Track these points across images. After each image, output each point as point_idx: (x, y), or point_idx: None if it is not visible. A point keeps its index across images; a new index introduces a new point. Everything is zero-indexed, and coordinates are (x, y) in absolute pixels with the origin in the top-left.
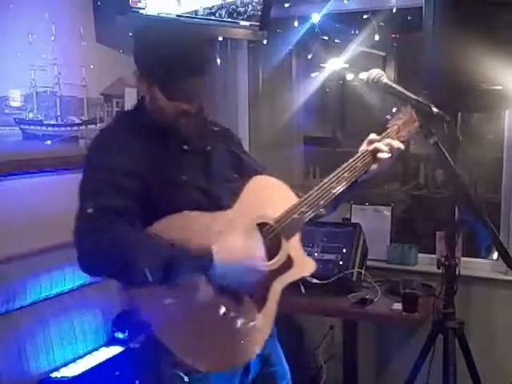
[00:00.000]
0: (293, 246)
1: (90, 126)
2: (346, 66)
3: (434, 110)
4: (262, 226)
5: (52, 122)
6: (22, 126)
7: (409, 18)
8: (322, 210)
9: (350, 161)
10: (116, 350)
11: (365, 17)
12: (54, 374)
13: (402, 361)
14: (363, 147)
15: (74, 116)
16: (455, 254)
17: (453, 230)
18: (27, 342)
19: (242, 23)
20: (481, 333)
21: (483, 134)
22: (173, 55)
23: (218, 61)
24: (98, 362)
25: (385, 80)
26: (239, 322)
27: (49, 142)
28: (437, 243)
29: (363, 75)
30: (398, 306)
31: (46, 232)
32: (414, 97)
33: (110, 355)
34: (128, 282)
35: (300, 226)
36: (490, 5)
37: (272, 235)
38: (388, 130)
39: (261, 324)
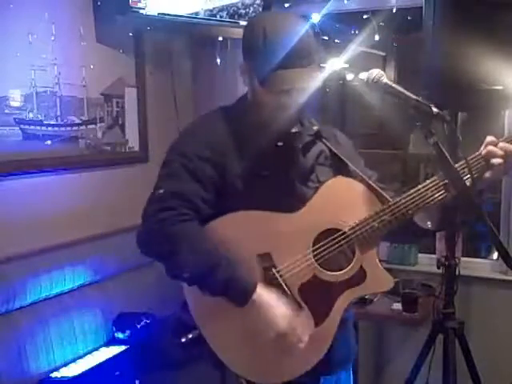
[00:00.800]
0: (368, 257)
1: (89, 126)
2: (346, 65)
3: (434, 109)
4: (333, 231)
5: (52, 122)
6: (21, 126)
7: (409, 18)
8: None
9: (458, 164)
10: (116, 349)
11: (365, 17)
12: (54, 374)
13: (402, 361)
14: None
15: (74, 116)
16: (455, 254)
17: (453, 230)
18: (27, 342)
19: (242, 23)
20: (481, 333)
21: (483, 134)
22: (276, 44)
23: (218, 61)
24: (98, 362)
25: (385, 80)
26: (292, 337)
27: (49, 142)
28: (437, 243)
29: (363, 75)
30: (397, 305)
31: (45, 232)
32: (414, 97)
33: (110, 355)
34: (172, 273)
35: (379, 236)
36: (489, 5)
37: (344, 243)
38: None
39: (316, 340)
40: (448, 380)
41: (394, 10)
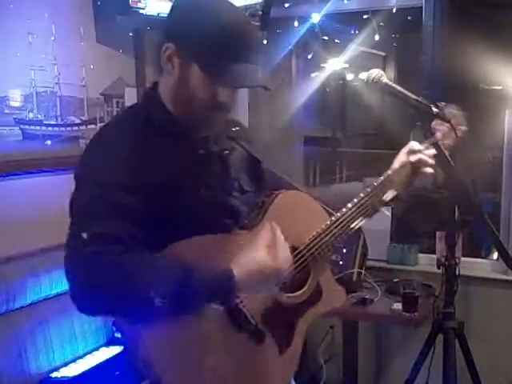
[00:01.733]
0: (323, 273)
1: (89, 126)
2: (346, 65)
3: (434, 110)
4: (290, 249)
5: (52, 122)
6: (21, 126)
7: (409, 18)
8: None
9: (387, 174)
10: (116, 349)
11: (365, 17)
12: (54, 374)
13: (402, 361)
14: (401, 157)
15: (73, 116)
16: (455, 254)
17: (453, 229)
18: (27, 342)
19: None
20: (481, 333)
21: (483, 134)
22: (233, 31)
23: None
24: (98, 362)
25: (385, 80)
26: (257, 366)
27: (49, 142)
28: (437, 243)
29: (363, 75)
30: (398, 305)
31: (45, 232)
32: (414, 97)
33: (110, 355)
34: (133, 318)
35: (331, 250)
36: (489, 5)
37: (302, 261)
38: (433, 138)
39: (282, 368)
40: (448, 380)
41: (394, 10)
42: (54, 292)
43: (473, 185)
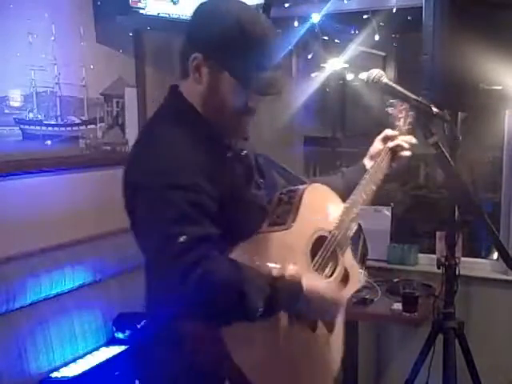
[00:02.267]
0: (347, 257)
1: (89, 126)
2: (346, 65)
3: (434, 109)
4: (320, 240)
5: (52, 122)
6: (21, 126)
7: (409, 18)
8: None
9: (378, 160)
10: (116, 349)
11: (365, 17)
12: (54, 374)
13: (402, 361)
14: (377, 144)
15: (73, 116)
16: (455, 254)
17: (453, 229)
18: (27, 342)
19: None
20: (481, 333)
21: (483, 134)
22: (260, 39)
23: None
24: (98, 362)
25: (385, 80)
26: (317, 348)
27: (49, 142)
28: (437, 243)
29: (363, 75)
30: (398, 306)
31: (45, 232)
32: (414, 97)
33: (110, 355)
34: (228, 321)
35: (351, 232)
36: (489, 5)
37: (331, 248)
38: (400, 124)
39: (335, 345)
40: (448, 380)
41: (394, 10)
42: (53, 292)
43: (473, 185)
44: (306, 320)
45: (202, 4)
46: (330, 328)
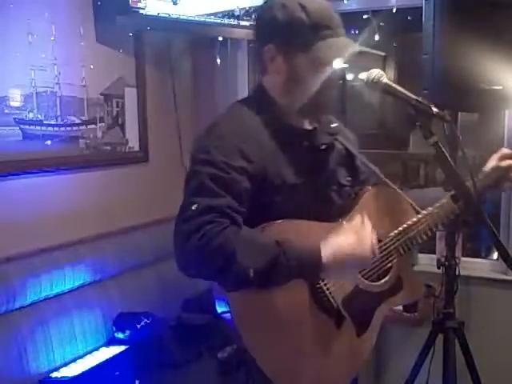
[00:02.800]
0: (404, 266)
1: (89, 126)
2: (346, 65)
3: (434, 109)
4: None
5: (52, 122)
6: (21, 126)
7: (409, 18)
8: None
9: (477, 178)
10: (116, 349)
11: (365, 17)
12: (54, 374)
13: (402, 361)
14: (493, 163)
15: (74, 116)
16: (455, 254)
17: (453, 230)
18: (27, 342)
19: (242, 23)
20: (481, 333)
21: (483, 134)
22: (320, 12)
23: (218, 61)
24: (98, 362)
25: (385, 80)
26: (335, 346)
27: (49, 142)
28: (437, 243)
29: (363, 75)
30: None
31: (45, 232)
32: (414, 97)
33: (110, 355)
34: (228, 284)
35: (415, 245)
36: (489, 5)
37: (386, 253)
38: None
39: (358, 349)
40: (448, 380)
41: (394, 10)
42: (54, 292)
43: (473, 185)
44: (333, 315)
45: (262, 4)
46: (361, 332)
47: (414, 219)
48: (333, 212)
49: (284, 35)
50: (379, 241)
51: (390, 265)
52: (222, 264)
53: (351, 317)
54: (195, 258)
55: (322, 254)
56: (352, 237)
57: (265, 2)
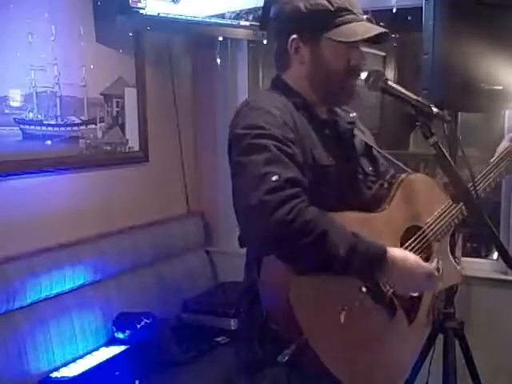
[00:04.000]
0: (442, 252)
1: (89, 126)
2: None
3: (434, 109)
4: (413, 229)
5: (52, 122)
6: (21, 126)
7: (409, 18)
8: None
9: (495, 160)
10: (116, 349)
11: (365, 17)
12: (54, 374)
13: None
14: (505, 143)
15: (74, 116)
16: (455, 254)
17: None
18: (27, 342)
19: (242, 23)
20: (481, 333)
21: (483, 134)
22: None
23: (218, 61)
24: (98, 362)
25: (385, 80)
26: (393, 336)
27: (49, 142)
28: None
29: (363, 75)
30: None
31: (45, 232)
32: (414, 97)
33: (110, 355)
34: (309, 262)
35: (451, 230)
36: (489, 5)
37: (426, 240)
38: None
39: (412, 338)
40: (448, 380)
41: (394, 10)
42: (54, 292)
43: (473, 185)
44: (385, 302)
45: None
46: (411, 319)
47: (447, 203)
48: (364, 201)
49: (309, 23)
50: (419, 228)
51: (429, 253)
52: (313, 240)
53: (402, 308)
54: (282, 231)
55: (388, 255)
56: (417, 259)
57: None
